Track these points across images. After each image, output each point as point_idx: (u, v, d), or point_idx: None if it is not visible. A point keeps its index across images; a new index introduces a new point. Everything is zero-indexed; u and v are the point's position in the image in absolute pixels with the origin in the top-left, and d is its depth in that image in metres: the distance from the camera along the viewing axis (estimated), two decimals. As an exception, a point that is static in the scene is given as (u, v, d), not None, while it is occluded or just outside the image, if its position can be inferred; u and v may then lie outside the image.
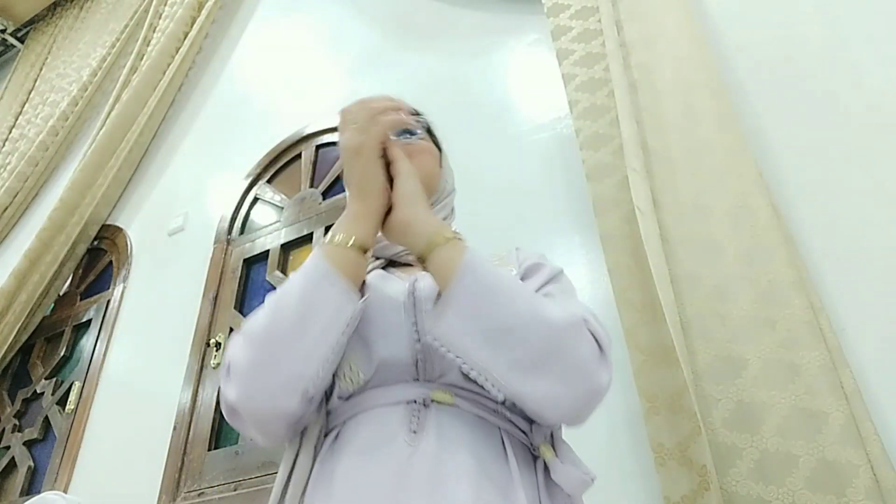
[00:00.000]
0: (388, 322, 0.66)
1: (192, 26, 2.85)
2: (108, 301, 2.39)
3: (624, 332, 1.17)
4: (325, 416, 0.66)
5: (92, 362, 2.23)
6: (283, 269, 2.03)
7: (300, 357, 0.59)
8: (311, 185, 2.15)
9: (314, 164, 2.20)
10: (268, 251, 2.08)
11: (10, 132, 3.37)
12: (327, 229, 1.89)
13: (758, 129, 1.32)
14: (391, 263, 0.81)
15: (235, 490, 1.61)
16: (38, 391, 2.34)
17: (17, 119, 3.45)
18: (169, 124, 2.82)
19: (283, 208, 2.17)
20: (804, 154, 1.26)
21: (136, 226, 2.59)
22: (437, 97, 1.83)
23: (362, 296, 0.64)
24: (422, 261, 0.65)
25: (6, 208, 2.95)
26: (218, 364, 1.89)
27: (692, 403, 1.03)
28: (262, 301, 0.65)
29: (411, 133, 0.82)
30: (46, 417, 2.23)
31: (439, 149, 0.90)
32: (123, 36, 3.23)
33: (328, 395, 0.66)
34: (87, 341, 2.35)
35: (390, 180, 0.69)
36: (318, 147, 2.23)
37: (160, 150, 2.77)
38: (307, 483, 0.61)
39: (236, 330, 1.96)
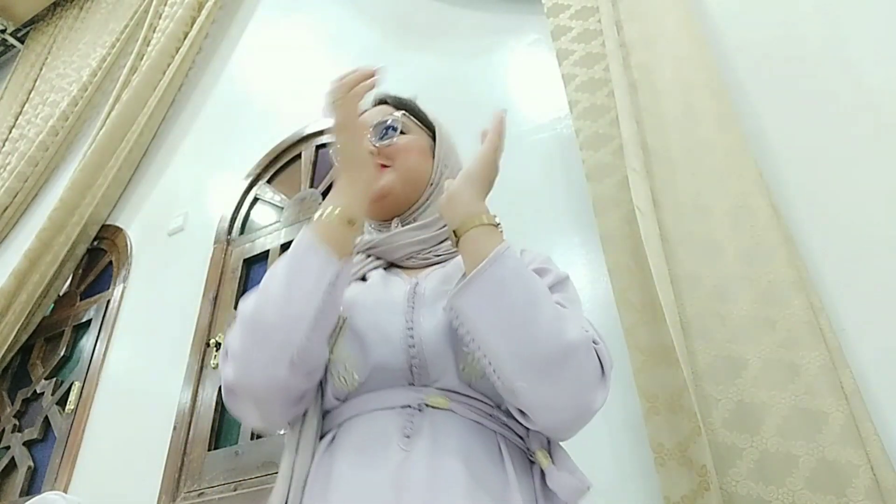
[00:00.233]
0: (385, 326, 0.66)
1: (192, 26, 2.85)
2: (108, 301, 2.39)
3: (624, 332, 1.17)
4: (322, 417, 0.66)
5: (92, 362, 2.23)
6: (283, 269, 2.03)
7: (286, 324, 0.60)
8: (311, 185, 2.15)
9: (314, 164, 2.20)
10: (268, 251, 2.08)
11: (10, 132, 3.37)
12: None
13: (758, 129, 1.32)
14: (394, 265, 0.81)
15: (235, 490, 1.61)
16: (38, 391, 2.34)
17: (17, 119, 3.45)
18: (169, 124, 2.82)
19: (283, 208, 2.18)
20: (804, 154, 1.26)
21: (136, 226, 2.59)
22: (437, 97, 1.82)
23: (349, 259, 0.65)
24: (455, 237, 0.66)
25: (6, 208, 2.95)
26: (217, 364, 1.89)
27: (692, 403, 1.03)
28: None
29: (393, 128, 0.83)
30: (46, 417, 2.23)
31: (432, 132, 0.89)
32: (123, 36, 3.23)
33: (323, 394, 0.66)
34: (87, 341, 2.35)
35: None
36: (318, 147, 2.22)
37: (160, 150, 2.77)
38: (305, 485, 0.61)
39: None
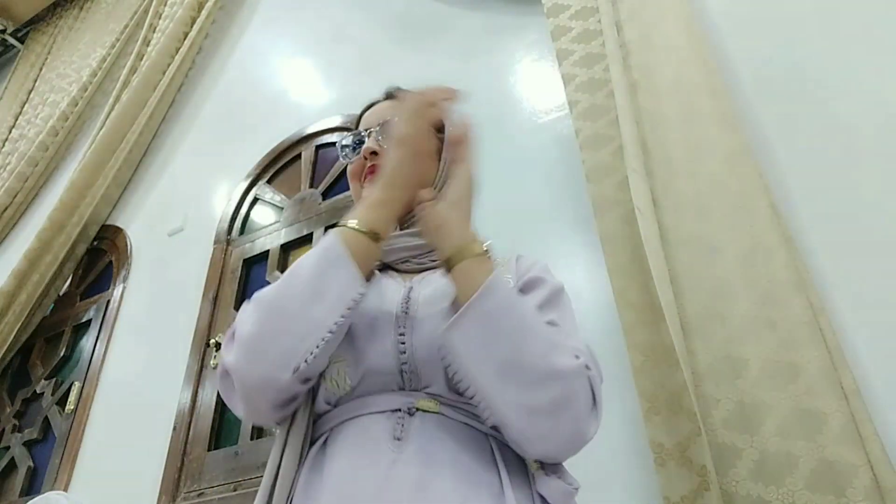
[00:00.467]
0: (377, 331, 0.66)
1: (191, 26, 2.85)
2: (108, 301, 2.39)
3: (624, 333, 1.17)
4: (312, 422, 0.66)
5: (92, 362, 2.23)
6: (283, 269, 2.03)
7: (299, 332, 0.60)
8: (311, 186, 2.15)
9: (314, 164, 2.20)
10: (268, 251, 2.08)
11: (10, 132, 3.38)
12: (327, 229, 1.89)
13: (758, 130, 1.32)
14: (388, 266, 0.80)
15: (235, 490, 1.61)
16: (38, 391, 2.34)
17: (16, 119, 3.45)
18: (169, 124, 2.82)
19: (282, 209, 2.17)
20: (804, 154, 1.26)
21: (136, 226, 2.59)
22: (437, 97, 1.82)
23: (369, 282, 0.65)
24: (447, 267, 0.65)
25: (6, 208, 2.95)
26: (217, 365, 1.89)
27: (692, 404, 1.03)
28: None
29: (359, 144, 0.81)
30: (46, 418, 2.23)
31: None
32: (123, 36, 3.23)
33: (314, 398, 0.66)
34: (86, 341, 2.35)
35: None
36: (318, 147, 2.23)
37: (160, 150, 2.77)
38: (292, 489, 0.61)
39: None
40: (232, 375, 0.62)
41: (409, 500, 0.55)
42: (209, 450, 1.75)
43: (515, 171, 1.64)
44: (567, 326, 0.68)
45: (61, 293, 2.61)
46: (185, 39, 2.83)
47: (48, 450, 2.12)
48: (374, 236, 0.66)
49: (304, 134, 2.26)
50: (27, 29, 4.20)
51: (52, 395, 2.27)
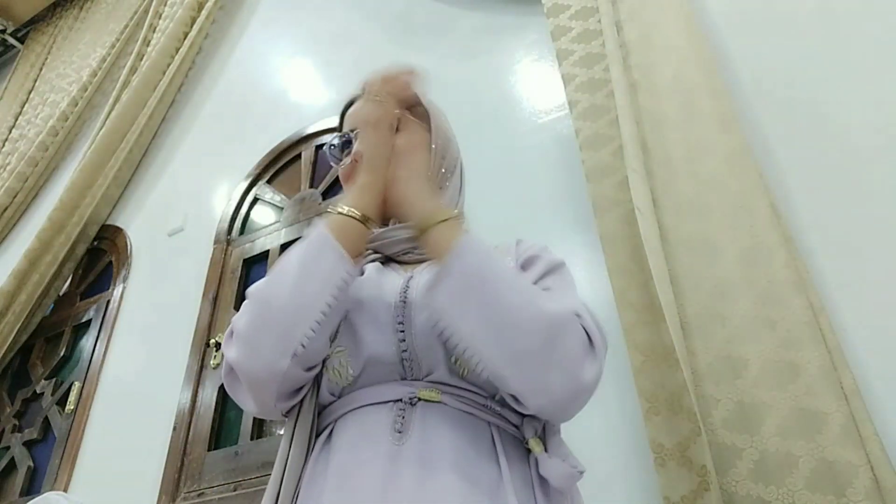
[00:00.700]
0: (377, 320, 0.66)
1: (191, 27, 2.85)
2: (108, 301, 2.39)
3: (624, 333, 1.17)
4: (317, 413, 0.67)
5: (92, 363, 2.23)
6: (283, 269, 2.03)
7: (292, 317, 0.61)
8: (311, 186, 2.15)
9: (314, 164, 2.20)
10: (268, 251, 2.08)
11: (10, 132, 3.37)
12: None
13: (758, 130, 1.32)
14: (391, 259, 0.80)
15: (235, 490, 1.61)
16: (38, 391, 2.34)
17: (16, 119, 3.45)
18: (169, 124, 2.82)
19: (282, 209, 2.18)
20: (804, 154, 1.26)
21: (136, 226, 2.59)
22: (437, 97, 1.82)
23: (360, 262, 0.66)
24: (419, 236, 0.66)
25: (6, 208, 2.95)
26: (218, 364, 1.89)
27: (692, 404, 1.03)
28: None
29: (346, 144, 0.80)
30: (46, 418, 2.23)
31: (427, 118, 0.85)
32: (123, 36, 3.23)
33: (319, 389, 0.67)
34: (86, 342, 2.34)
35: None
36: (318, 147, 2.22)
37: (160, 150, 2.77)
38: (300, 481, 0.62)
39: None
40: (235, 370, 0.64)
41: (410, 496, 0.55)
42: (209, 450, 1.75)
43: (515, 171, 1.64)
44: (560, 290, 0.68)
45: (61, 293, 2.61)
46: (185, 39, 2.83)
47: (48, 450, 2.12)
48: (361, 218, 0.66)
49: (304, 134, 2.26)
50: (27, 29, 4.20)
51: (52, 395, 2.27)
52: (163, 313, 2.18)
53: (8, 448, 2.26)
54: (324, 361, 0.66)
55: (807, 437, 0.96)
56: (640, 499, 1.11)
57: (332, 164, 0.84)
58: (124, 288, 2.38)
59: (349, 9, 2.50)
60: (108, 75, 3.18)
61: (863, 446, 0.92)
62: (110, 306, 2.36)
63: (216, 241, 2.22)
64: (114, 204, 2.69)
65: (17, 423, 2.32)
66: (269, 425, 1.74)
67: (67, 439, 2.06)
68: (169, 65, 2.79)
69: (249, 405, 0.67)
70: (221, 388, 1.84)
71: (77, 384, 2.20)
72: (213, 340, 1.94)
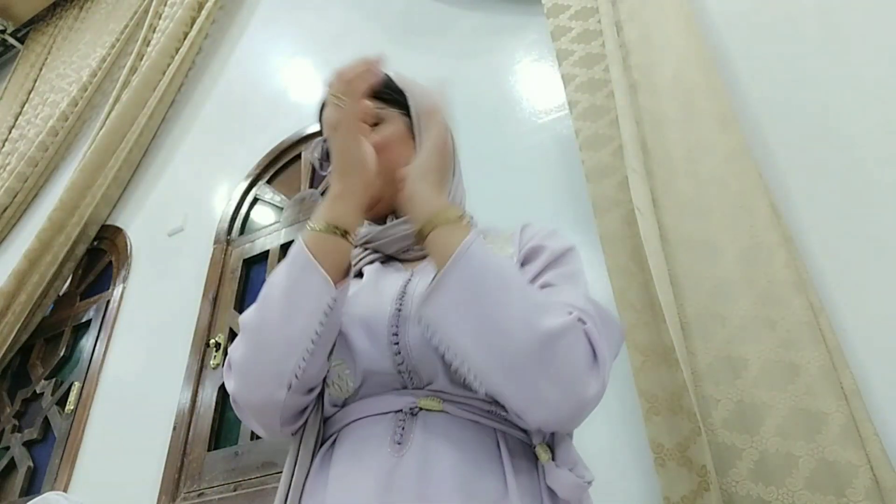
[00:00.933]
0: (371, 332, 0.65)
1: (191, 27, 2.85)
2: (108, 301, 2.39)
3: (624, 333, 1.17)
4: (322, 423, 0.66)
5: (91, 363, 2.23)
6: (283, 269, 2.03)
7: (283, 351, 0.60)
8: (311, 186, 2.15)
9: (313, 165, 2.19)
10: (268, 251, 2.08)
11: (10, 132, 3.37)
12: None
13: (758, 130, 1.32)
14: (392, 258, 0.78)
15: (235, 490, 1.61)
16: (38, 391, 2.34)
17: (16, 119, 3.45)
18: (169, 125, 2.82)
19: (282, 209, 2.18)
20: (804, 154, 1.26)
21: (136, 226, 2.59)
22: (437, 97, 1.83)
23: (343, 282, 0.63)
24: (420, 239, 0.63)
25: (6, 209, 2.95)
26: (218, 364, 1.89)
27: (692, 404, 1.03)
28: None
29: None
30: (46, 418, 2.23)
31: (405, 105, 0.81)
32: (123, 36, 3.23)
33: (322, 402, 0.67)
34: (86, 342, 2.34)
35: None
36: (318, 147, 2.22)
37: (160, 150, 2.77)
38: (302, 494, 0.61)
39: (236, 330, 1.96)
40: (239, 403, 0.64)
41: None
42: (209, 450, 1.75)
43: (515, 171, 1.64)
44: (565, 285, 0.64)
45: (61, 293, 2.61)
46: (184, 39, 2.83)
47: (48, 450, 2.12)
48: (340, 232, 0.63)
49: (304, 134, 2.26)
50: (27, 29, 4.20)
51: (52, 395, 2.27)
52: (163, 313, 2.18)
53: (8, 448, 2.26)
54: (325, 375, 0.65)
55: (807, 438, 0.96)
56: (640, 499, 1.11)
57: (319, 171, 0.82)
58: (124, 288, 2.38)
59: (349, 9, 2.50)
60: (108, 75, 3.18)
61: (863, 446, 0.92)
62: (110, 306, 2.36)
63: (216, 242, 2.22)
64: (114, 204, 2.69)
65: (17, 423, 2.32)
66: (269, 425, 1.74)
67: (67, 439, 2.06)
68: (169, 65, 2.79)
69: (257, 430, 0.66)
70: (221, 388, 1.84)
71: (77, 384, 2.20)
72: (213, 340, 1.94)
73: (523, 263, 0.70)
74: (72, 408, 2.15)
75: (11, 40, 4.18)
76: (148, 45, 3.00)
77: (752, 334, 1.06)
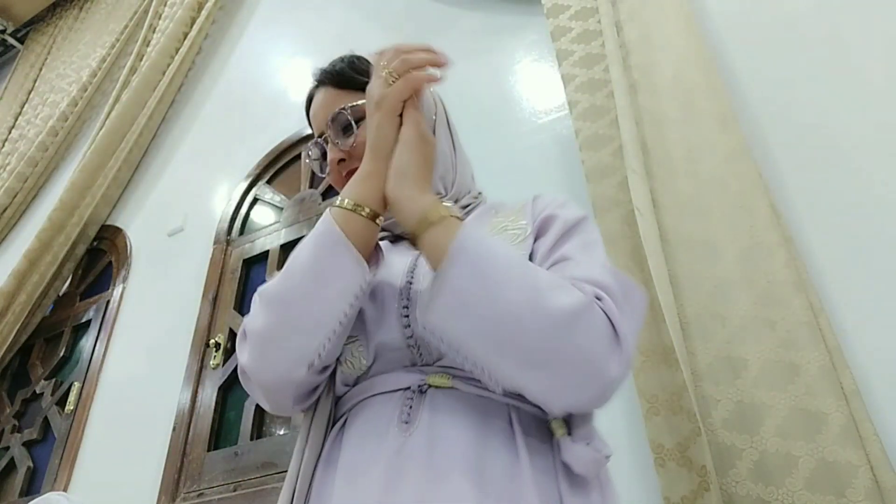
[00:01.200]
0: (383, 306, 0.64)
1: (191, 27, 2.85)
2: (108, 302, 2.39)
3: (624, 333, 1.16)
4: (335, 403, 0.65)
5: (91, 363, 2.23)
6: (283, 269, 2.03)
7: (307, 328, 0.58)
8: (311, 186, 2.15)
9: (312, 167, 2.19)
10: (267, 251, 2.08)
11: (10, 132, 3.37)
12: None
13: (758, 129, 1.32)
14: (401, 237, 0.76)
15: (235, 490, 1.61)
16: (38, 392, 2.34)
17: (16, 119, 3.45)
18: (168, 125, 2.82)
19: (282, 209, 2.17)
20: (804, 154, 1.26)
21: (136, 226, 2.59)
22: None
23: (372, 265, 0.61)
24: (414, 242, 0.60)
25: (6, 209, 2.95)
26: (217, 364, 1.89)
27: (692, 404, 1.03)
28: (262, 302, 0.64)
29: (351, 122, 0.73)
30: (46, 418, 2.22)
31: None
32: (123, 36, 3.23)
33: (334, 381, 0.65)
34: (86, 342, 2.34)
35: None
36: (318, 147, 2.22)
37: (160, 150, 2.77)
38: (313, 476, 0.60)
39: (236, 330, 1.96)
40: (250, 376, 0.62)
41: (417, 488, 0.52)
42: (209, 450, 1.75)
43: (515, 171, 1.64)
44: (580, 257, 0.60)
45: (61, 293, 2.61)
46: (184, 40, 2.83)
47: (48, 450, 2.12)
48: (369, 213, 0.61)
49: (304, 134, 2.26)
50: (27, 29, 4.20)
51: (52, 395, 2.27)
52: (163, 313, 2.18)
53: (8, 448, 2.26)
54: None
55: (807, 438, 0.96)
56: (640, 499, 1.11)
57: (318, 174, 0.82)
58: (124, 288, 2.38)
59: (349, 9, 2.50)
60: (107, 75, 3.18)
61: (863, 446, 0.92)
62: (110, 306, 2.36)
63: (216, 242, 2.22)
64: (114, 204, 2.69)
65: (16, 423, 2.32)
66: (268, 426, 1.74)
67: (67, 440, 2.06)
68: (169, 65, 2.79)
69: (265, 405, 0.65)
70: (221, 388, 1.84)
71: (77, 384, 2.20)
72: (212, 341, 1.94)
73: (538, 235, 0.66)
74: (72, 408, 2.15)
75: (11, 40, 4.18)
76: (148, 46, 3.00)
77: (751, 334, 1.06)
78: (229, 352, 1.90)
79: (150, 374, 2.04)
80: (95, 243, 2.64)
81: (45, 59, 3.76)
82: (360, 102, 0.75)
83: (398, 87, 0.63)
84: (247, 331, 0.62)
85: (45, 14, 4.16)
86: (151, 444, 1.83)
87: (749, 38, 1.46)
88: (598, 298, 0.54)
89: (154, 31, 3.04)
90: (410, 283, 0.64)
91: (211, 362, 1.90)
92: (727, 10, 1.52)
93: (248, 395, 1.77)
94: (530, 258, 0.64)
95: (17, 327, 2.40)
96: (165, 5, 3.09)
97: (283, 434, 1.67)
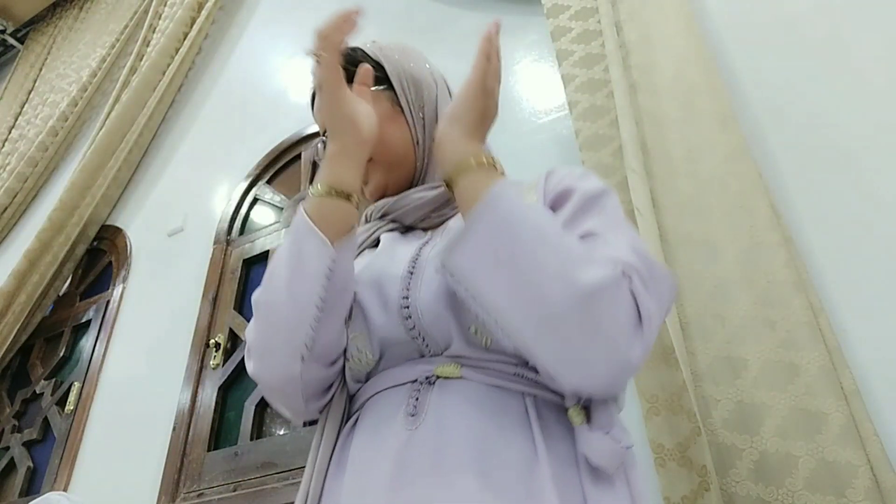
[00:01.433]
0: (383, 298, 0.62)
1: (191, 27, 2.85)
2: (108, 302, 2.39)
3: (624, 333, 1.17)
4: (349, 400, 0.65)
5: (91, 363, 2.23)
6: (283, 269, 2.03)
7: (290, 322, 0.58)
8: (309, 188, 2.15)
9: (314, 164, 2.20)
10: (267, 252, 2.08)
11: (10, 132, 3.37)
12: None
13: (757, 130, 1.32)
14: (411, 227, 0.75)
15: (235, 491, 1.61)
16: (38, 392, 2.34)
17: (16, 119, 3.45)
18: (168, 125, 2.82)
19: (282, 209, 2.18)
20: (804, 154, 1.26)
21: (136, 226, 2.59)
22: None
23: (346, 239, 0.60)
24: (449, 187, 0.59)
25: (6, 209, 2.95)
26: (217, 364, 1.89)
27: (692, 404, 1.03)
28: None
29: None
30: (46, 418, 2.22)
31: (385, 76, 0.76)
32: (123, 37, 3.23)
33: (345, 377, 0.65)
34: (86, 342, 2.34)
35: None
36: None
37: (160, 150, 2.77)
38: (327, 472, 0.60)
39: (236, 330, 1.95)
40: (260, 385, 0.63)
41: (423, 482, 0.51)
42: (209, 450, 1.75)
43: (515, 171, 1.63)
44: (607, 234, 0.57)
45: (61, 293, 2.61)
46: (184, 40, 2.83)
47: (48, 450, 2.12)
48: (341, 195, 0.60)
49: (304, 134, 2.26)
50: (27, 29, 4.20)
51: (52, 395, 2.27)
52: (163, 314, 2.18)
53: (7, 448, 2.26)
54: (346, 349, 0.63)
55: (806, 438, 0.96)
56: (639, 499, 1.11)
57: None
58: (124, 288, 2.38)
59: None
60: (107, 75, 3.18)
61: (863, 446, 0.92)
62: (110, 306, 2.36)
63: (216, 242, 2.22)
64: (114, 204, 2.69)
65: (16, 423, 2.32)
66: (268, 426, 1.74)
67: (67, 439, 2.06)
68: (169, 65, 2.79)
69: (285, 413, 0.65)
70: (221, 388, 1.84)
71: (77, 384, 2.20)
72: (212, 341, 1.94)
73: (553, 208, 0.64)
74: (71, 408, 2.15)
75: (11, 40, 4.18)
76: (148, 46, 3.00)
77: (751, 334, 1.07)
78: (229, 352, 1.91)
79: (150, 374, 2.04)
80: (95, 243, 2.64)
81: (45, 59, 3.76)
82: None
83: (327, 63, 0.62)
84: (247, 341, 0.63)
85: (45, 14, 4.15)
86: (151, 444, 1.83)
87: (749, 38, 1.46)
88: (628, 276, 0.51)
89: (154, 32, 3.04)
90: (412, 274, 0.62)
91: (211, 362, 1.90)
92: (727, 10, 1.52)
93: (247, 395, 1.77)
94: None
95: (17, 327, 2.39)
96: (165, 5, 3.09)
97: (283, 434, 1.67)
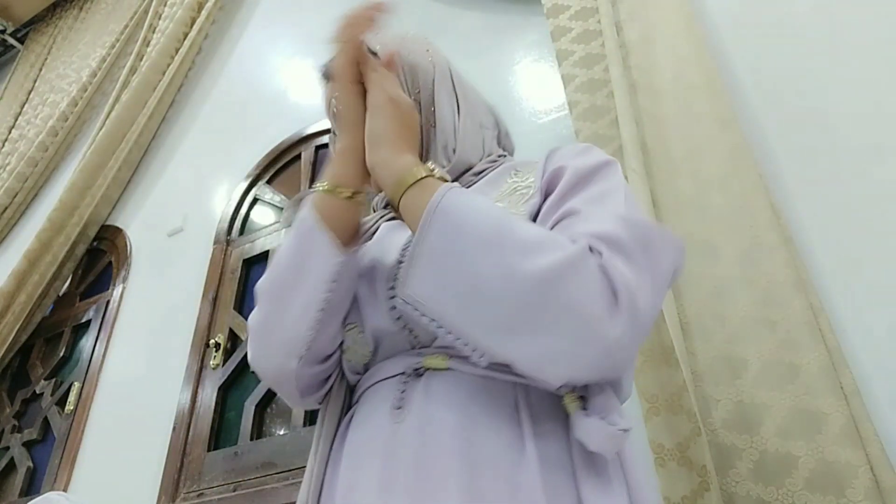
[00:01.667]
0: (374, 288, 0.61)
1: (191, 27, 2.85)
2: (108, 302, 2.39)
3: (624, 333, 1.16)
4: (348, 392, 0.65)
5: (91, 363, 2.23)
6: (283, 269, 2.03)
7: (291, 320, 0.58)
8: (311, 186, 2.15)
9: (314, 164, 2.20)
10: (268, 252, 2.08)
11: (10, 132, 3.37)
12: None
13: (757, 130, 1.32)
14: None
15: (235, 491, 1.61)
16: (38, 392, 2.34)
17: (16, 119, 3.45)
18: (168, 125, 2.82)
19: (282, 209, 2.18)
20: (804, 154, 1.26)
21: (136, 226, 2.58)
22: (437, 98, 1.82)
23: (353, 245, 0.60)
24: (395, 210, 0.57)
25: (5, 209, 2.95)
26: (217, 365, 1.89)
27: (692, 404, 1.03)
28: (262, 302, 0.66)
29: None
30: (46, 418, 2.22)
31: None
32: (123, 37, 3.23)
33: (343, 370, 0.65)
34: (86, 342, 2.34)
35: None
36: (318, 147, 2.22)
37: (160, 150, 2.77)
38: (327, 465, 0.60)
39: (236, 330, 1.95)
40: (255, 369, 0.63)
41: (407, 476, 0.50)
42: (209, 450, 1.75)
43: (515, 171, 1.64)
44: (589, 209, 0.54)
45: (61, 293, 2.60)
46: (184, 40, 2.83)
47: (48, 450, 2.12)
48: (346, 193, 0.59)
49: (304, 134, 2.26)
50: (27, 29, 4.20)
51: (52, 395, 2.27)
52: (163, 313, 2.18)
53: (7, 448, 2.26)
54: (342, 342, 0.63)
55: (806, 438, 0.96)
56: (639, 499, 1.11)
57: None
58: (124, 288, 2.38)
59: (349, 9, 2.50)
60: (107, 75, 3.18)
61: (862, 446, 0.92)
62: (110, 306, 2.36)
63: (216, 242, 2.22)
64: (113, 204, 2.69)
65: (16, 423, 2.32)
66: (268, 426, 1.74)
67: (67, 439, 2.06)
68: (169, 65, 2.79)
69: (285, 400, 0.66)
70: (221, 388, 1.84)
71: (77, 384, 2.20)
72: (212, 341, 1.94)
73: (548, 192, 0.60)
74: (71, 408, 2.15)
75: (11, 40, 4.18)
76: (148, 46, 3.00)
77: (751, 334, 1.06)
78: (229, 352, 1.91)
79: (150, 374, 2.04)
80: (95, 243, 2.64)
81: (45, 59, 3.76)
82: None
83: (344, 55, 0.61)
84: (248, 326, 0.63)
85: (45, 14, 4.15)
86: (151, 444, 1.83)
87: (749, 38, 1.46)
88: (595, 251, 0.48)
89: (154, 32, 3.04)
90: (400, 263, 0.60)
91: (211, 362, 1.90)
92: (727, 10, 1.52)
93: (247, 395, 1.77)
94: (535, 219, 0.59)
95: (17, 327, 2.39)
96: (165, 5, 3.09)
97: (283, 434, 1.67)
